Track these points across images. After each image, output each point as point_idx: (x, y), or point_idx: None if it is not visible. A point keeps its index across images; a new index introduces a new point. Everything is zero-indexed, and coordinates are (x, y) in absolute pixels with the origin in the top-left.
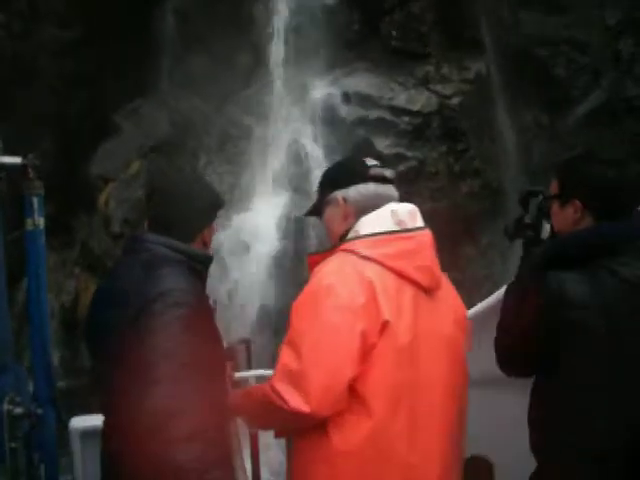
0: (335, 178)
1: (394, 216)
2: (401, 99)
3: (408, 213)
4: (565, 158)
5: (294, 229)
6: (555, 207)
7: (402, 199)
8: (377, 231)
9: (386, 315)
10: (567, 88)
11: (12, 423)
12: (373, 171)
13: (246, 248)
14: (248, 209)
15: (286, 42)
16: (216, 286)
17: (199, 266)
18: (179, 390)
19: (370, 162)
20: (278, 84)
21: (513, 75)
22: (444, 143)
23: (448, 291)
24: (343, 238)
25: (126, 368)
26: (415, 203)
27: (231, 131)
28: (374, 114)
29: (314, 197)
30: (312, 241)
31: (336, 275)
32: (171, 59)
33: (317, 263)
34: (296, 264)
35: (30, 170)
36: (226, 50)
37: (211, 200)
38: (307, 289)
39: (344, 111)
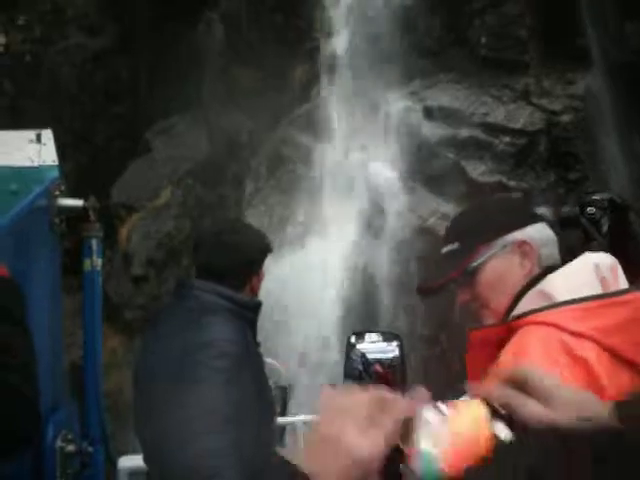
0: (506, 216)
1: (598, 272)
2: (498, 115)
3: (610, 269)
4: None
5: (362, 277)
6: None
7: None
8: (583, 295)
9: None
10: None
11: (64, 460)
12: (540, 210)
13: (298, 299)
14: (303, 249)
15: (353, 50)
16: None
17: (249, 314)
18: (221, 446)
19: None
20: (343, 97)
21: (624, 93)
22: (553, 170)
23: None
24: (518, 300)
25: (168, 417)
26: None
27: (284, 152)
28: (464, 133)
29: (389, 236)
30: (387, 293)
31: (550, 363)
32: (216, 71)
33: (486, 343)
34: (364, 324)
35: (91, 212)
36: (280, 60)
37: (260, 248)
38: None
39: (426, 129)
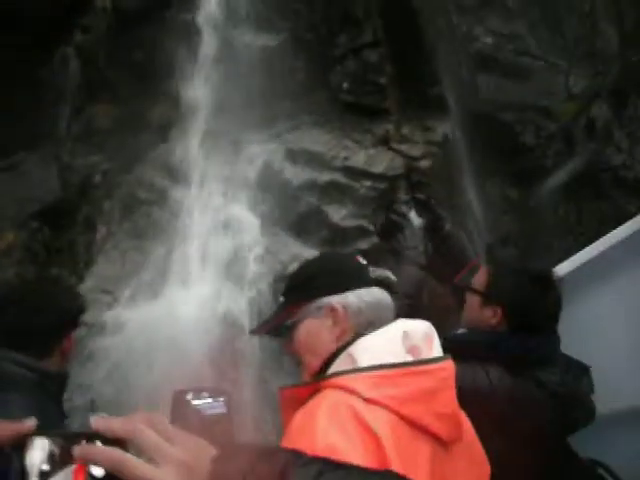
0: (327, 278)
1: (406, 340)
2: (359, 159)
3: (424, 336)
4: (502, 259)
5: (224, 329)
6: (474, 301)
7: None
8: (384, 362)
9: None
10: (537, 157)
11: None
12: (376, 272)
13: (153, 353)
14: (158, 297)
15: (213, 90)
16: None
17: (52, 387)
18: None
19: (363, 260)
20: (203, 139)
21: (478, 141)
22: (413, 213)
23: (471, 442)
24: (330, 363)
25: None
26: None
27: (139, 195)
28: (325, 177)
29: (250, 282)
30: (249, 341)
31: (336, 429)
32: (70, 108)
33: (296, 401)
34: (226, 375)
35: None
36: (138, 99)
37: (69, 310)
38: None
39: (288, 172)
